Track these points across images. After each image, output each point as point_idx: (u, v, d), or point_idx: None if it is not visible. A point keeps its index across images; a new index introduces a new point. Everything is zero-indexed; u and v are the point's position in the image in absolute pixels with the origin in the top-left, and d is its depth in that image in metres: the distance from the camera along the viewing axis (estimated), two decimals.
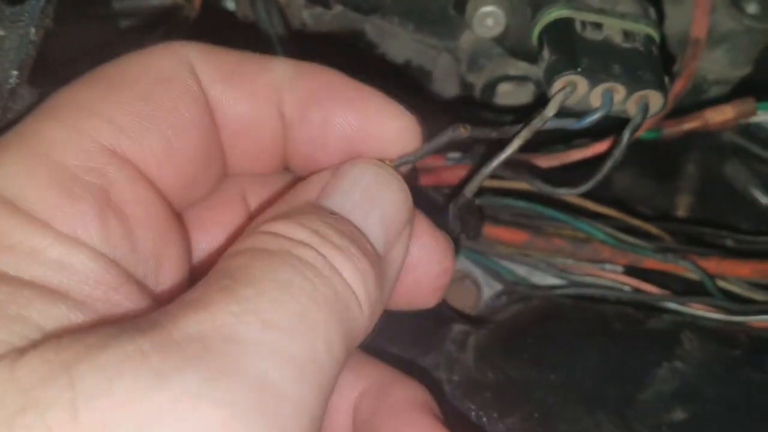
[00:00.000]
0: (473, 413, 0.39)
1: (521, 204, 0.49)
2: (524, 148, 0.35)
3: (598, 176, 0.37)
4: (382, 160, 0.28)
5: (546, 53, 0.37)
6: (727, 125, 0.49)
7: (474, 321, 0.46)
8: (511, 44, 0.45)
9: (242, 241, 0.24)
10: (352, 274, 0.23)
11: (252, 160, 0.30)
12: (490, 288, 0.50)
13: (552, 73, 0.36)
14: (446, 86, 0.55)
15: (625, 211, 0.54)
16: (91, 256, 0.23)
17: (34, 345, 0.19)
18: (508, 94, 0.52)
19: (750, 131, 0.59)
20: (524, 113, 0.55)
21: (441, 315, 0.44)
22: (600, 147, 0.49)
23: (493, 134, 0.34)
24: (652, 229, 0.52)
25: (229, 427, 0.19)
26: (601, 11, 0.38)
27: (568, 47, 0.37)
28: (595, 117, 0.36)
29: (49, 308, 0.21)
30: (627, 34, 0.38)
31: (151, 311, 0.22)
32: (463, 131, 0.31)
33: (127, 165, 0.25)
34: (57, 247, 0.22)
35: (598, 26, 0.38)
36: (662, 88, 0.36)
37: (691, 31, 0.48)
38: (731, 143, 0.60)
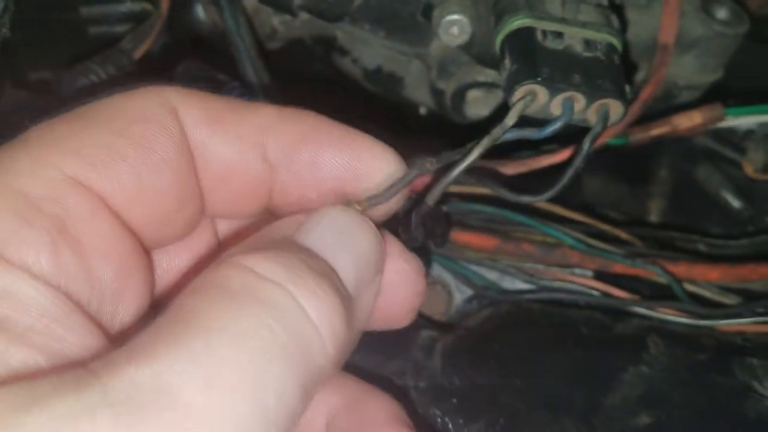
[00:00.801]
0: (439, 419, 0.39)
1: (490, 209, 0.49)
2: (491, 155, 0.35)
3: (559, 185, 0.37)
4: (350, 203, 0.29)
5: (507, 62, 0.37)
6: (695, 131, 0.49)
7: (443, 327, 0.46)
8: (478, 52, 0.46)
9: (207, 274, 0.23)
10: (320, 313, 0.23)
11: (233, 204, 0.30)
12: (461, 293, 0.50)
13: (512, 82, 0.36)
14: (418, 93, 0.56)
15: (594, 216, 0.54)
16: (36, 287, 0.22)
17: None
18: (478, 101, 0.53)
19: (722, 135, 0.59)
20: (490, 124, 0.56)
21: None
22: (568, 153, 0.49)
23: (458, 157, 0.35)
24: (622, 234, 0.52)
25: None
26: (562, 20, 0.39)
27: (529, 56, 0.37)
28: (555, 126, 0.36)
29: None
30: (588, 43, 0.38)
31: (99, 346, 0.22)
32: (429, 166, 0.31)
33: (91, 196, 0.24)
34: (1, 275, 0.22)
35: (559, 35, 0.38)
36: (622, 97, 0.36)
37: (659, 36, 0.49)
38: (703, 147, 0.60)
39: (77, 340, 0.23)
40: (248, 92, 0.46)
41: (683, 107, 0.54)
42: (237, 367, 0.20)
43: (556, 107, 0.37)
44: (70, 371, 0.20)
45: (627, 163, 0.60)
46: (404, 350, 0.42)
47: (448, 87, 0.52)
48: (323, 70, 0.56)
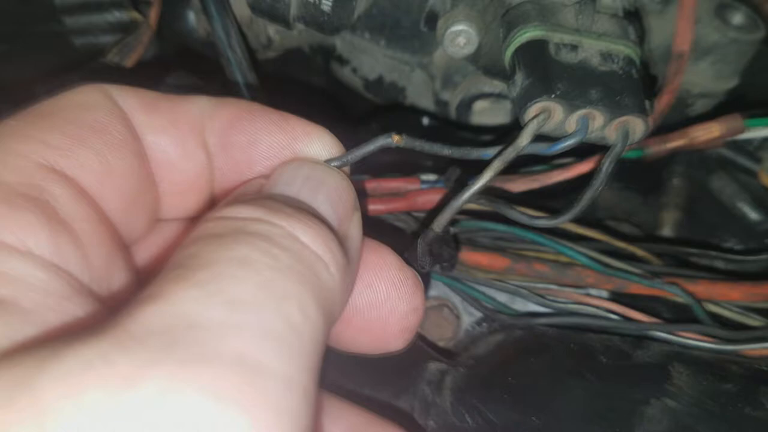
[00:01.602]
0: None
1: (500, 227, 0.46)
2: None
3: (577, 208, 0.35)
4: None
5: (519, 77, 0.35)
6: (713, 144, 0.47)
7: (451, 355, 0.44)
8: (485, 63, 0.43)
9: (190, 235, 0.23)
10: (314, 239, 0.22)
11: (181, 197, 0.29)
12: (469, 316, 0.48)
13: (525, 99, 0.34)
14: (421, 103, 0.54)
15: (607, 230, 0.52)
16: (41, 266, 0.22)
17: None
18: (485, 111, 0.51)
19: (737, 143, 0.57)
20: (497, 133, 0.53)
21: (415, 351, 0.41)
22: (583, 167, 0.46)
23: (445, 151, 0.32)
24: (638, 251, 0.49)
25: (216, 417, 0.17)
26: (577, 31, 0.36)
27: (543, 71, 0.34)
28: (568, 144, 0.34)
29: None
30: (605, 56, 0.36)
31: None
32: (396, 140, 0.29)
33: (69, 182, 0.24)
34: (4, 257, 0.22)
35: (573, 48, 0.36)
36: (643, 114, 0.34)
37: (674, 44, 0.46)
38: (717, 156, 0.58)
39: (88, 316, 0.22)
40: None
41: (699, 117, 0.52)
42: (251, 285, 0.20)
43: (571, 124, 0.34)
44: (90, 326, 0.19)
45: (639, 173, 0.58)
46: (412, 385, 0.40)
47: (453, 98, 0.50)
48: (322, 80, 0.54)
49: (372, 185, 0.45)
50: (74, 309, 0.22)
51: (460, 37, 0.41)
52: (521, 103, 0.34)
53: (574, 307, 0.47)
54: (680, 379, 0.39)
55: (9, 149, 0.24)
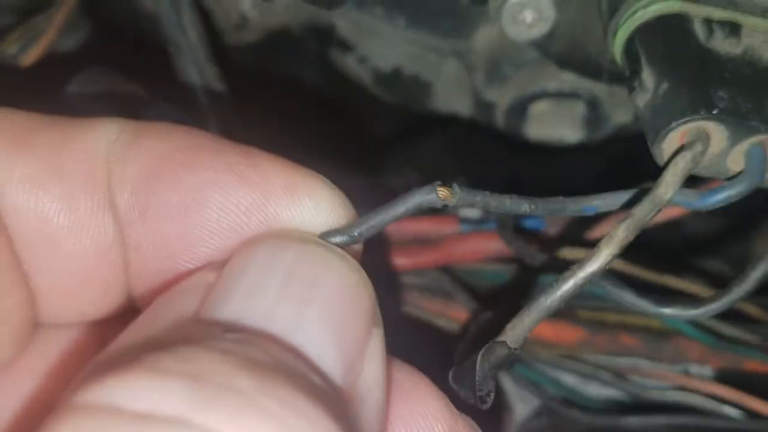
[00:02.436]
0: None
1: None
2: None
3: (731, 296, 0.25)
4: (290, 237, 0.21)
5: (647, 79, 0.24)
6: None
7: None
8: (561, 50, 0.35)
9: None
10: None
11: (73, 295, 0.23)
12: (524, 404, 0.39)
13: (666, 119, 0.23)
14: (454, 105, 0.46)
15: (702, 276, 0.43)
16: None
17: None
18: (545, 117, 0.43)
19: None
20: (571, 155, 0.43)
21: None
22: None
23: (524, 207, 0.22)
24: (752, 309, 0.40)
25: None
26: (732, 4, 0.26)
27: (689, 69, 0.25)
28: (737, 192, 0.23)
29: None
30: None
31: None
32: (443, 195, 0.21)
33: None
34: None
35: (733, 30, 0.25)
36: None
37: None
38: None
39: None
40: (190, 117, 0.36)
41: None
42: None
43: (735, 159, 0.24)
44: None
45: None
46: None
47: (502, 97, 0.43)
48: (315, 74, 0.47)
49: (390, 228, 0.37)
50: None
51: (527, 11, 0.33)
52: (657, 123, 0.23)
53: (666, 394, 0.39)
54: None
55: None
